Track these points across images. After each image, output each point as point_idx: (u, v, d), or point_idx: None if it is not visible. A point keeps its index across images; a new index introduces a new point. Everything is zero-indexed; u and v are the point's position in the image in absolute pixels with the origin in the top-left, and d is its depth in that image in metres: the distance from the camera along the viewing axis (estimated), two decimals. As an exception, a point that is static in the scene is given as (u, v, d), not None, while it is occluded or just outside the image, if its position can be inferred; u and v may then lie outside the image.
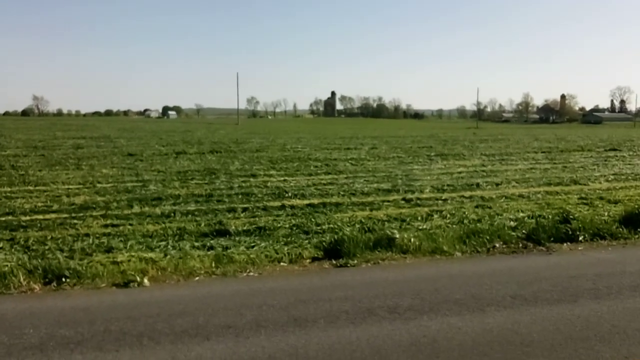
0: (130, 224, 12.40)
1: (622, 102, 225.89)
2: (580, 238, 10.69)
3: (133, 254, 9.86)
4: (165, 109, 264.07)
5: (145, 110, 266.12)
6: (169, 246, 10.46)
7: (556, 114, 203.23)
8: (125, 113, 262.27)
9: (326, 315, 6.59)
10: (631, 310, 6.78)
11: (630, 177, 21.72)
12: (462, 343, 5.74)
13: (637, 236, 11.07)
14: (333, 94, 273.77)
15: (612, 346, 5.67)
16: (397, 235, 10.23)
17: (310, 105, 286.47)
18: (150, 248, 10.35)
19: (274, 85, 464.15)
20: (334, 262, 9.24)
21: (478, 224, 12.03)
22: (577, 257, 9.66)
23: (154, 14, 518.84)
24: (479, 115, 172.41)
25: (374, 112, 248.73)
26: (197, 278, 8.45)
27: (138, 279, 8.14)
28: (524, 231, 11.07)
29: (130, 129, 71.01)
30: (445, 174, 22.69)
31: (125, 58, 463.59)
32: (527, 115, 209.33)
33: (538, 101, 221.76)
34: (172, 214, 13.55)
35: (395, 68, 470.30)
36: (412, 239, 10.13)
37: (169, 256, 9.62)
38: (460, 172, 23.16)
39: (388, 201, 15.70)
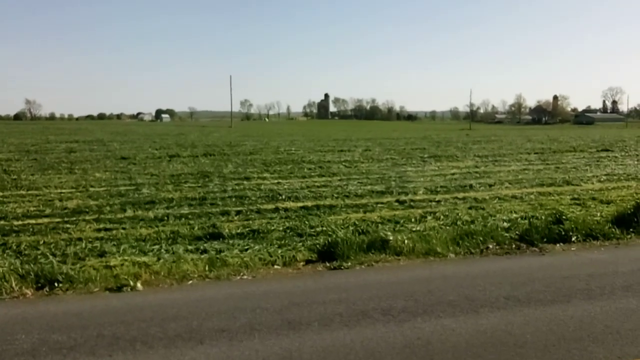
0: (124, 228, 12.35)
1: (614, 102, 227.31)
2: (573, 238, 10.73)
3: (126, 258, 9.81)
4: (159, 112, 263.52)
5: (139, 113, 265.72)
6: (162, 250, 10.42)
7: (549, 114, 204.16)
8: (119, 116, 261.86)
9: (320, 318, 6.58)
10: (624, 311, 6.81)
11: (622, 178, 21.81)
12: (456, 345, 5.75)
13: (629, 236, 11.12)
14: (326, 96, 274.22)
15: (606, 346, 5.69)
16: (391, 237, 10.25)
17: (304, 107, 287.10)
18: (144, 252, 10.31)
19: (267, 88, 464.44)
20: (327, 264, 9.24)
21: (471, 225, 12.06)
22: (570, 258, 9.70)
23: (147, 16, 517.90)
24: (472, 116, 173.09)
25: (367, 114, 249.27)
26: (190, 282, 8.42)
27: (131, 283, 8.11)
28: (517, 232, 11.10)
29: (124, 133, 70.80)
30: (438, 175, 22.75)
31: (118, 61, 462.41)
32: (519, 117, 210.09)
33: (530, 102, 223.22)
34: (166, 218, 13.51)
35: (389, 70, 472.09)
36: (406, 241, 10.15)
37: (162, 260, 9.58)
38: (453, 174, 23.22)
39: (382, 203, 15.72)
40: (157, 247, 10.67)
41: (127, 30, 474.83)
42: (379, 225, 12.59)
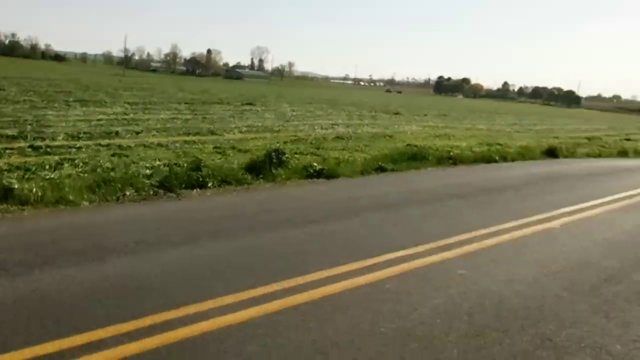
0: None
1: (261, 61, 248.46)
2: (210, 184, 11.30)
3: None
4: None
5: None
6: None
7: (202, 67, 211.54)
8: None
9: None
10: (245, 248, 7.41)
11: (260, 129, 23.98)
12: (76, 293, 5.43)
13: (258, 181, 12.26)
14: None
15: (225, 280, 6.07)
16: (16, 186, 9.18)
17: None
18: None
19: None
20: None
21: (111, 173, 11.61)
22: (205, 202, 10.20)
23: None
24: (127, 62, 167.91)
25: (5, 50, 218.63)
26: None
27: None
28: (157, 179, 11.13)
29: None
30: (83, 121, 21.37)
31: None
32: (174, 67, 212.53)
33: (186, 53, 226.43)
34: None
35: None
36: (34, 190, 9.21)
37: None
38: (99, 120, 22.15)
39: (12, 149, 14.00)
40: None
41: None
42: (5, 173, 11.16)
